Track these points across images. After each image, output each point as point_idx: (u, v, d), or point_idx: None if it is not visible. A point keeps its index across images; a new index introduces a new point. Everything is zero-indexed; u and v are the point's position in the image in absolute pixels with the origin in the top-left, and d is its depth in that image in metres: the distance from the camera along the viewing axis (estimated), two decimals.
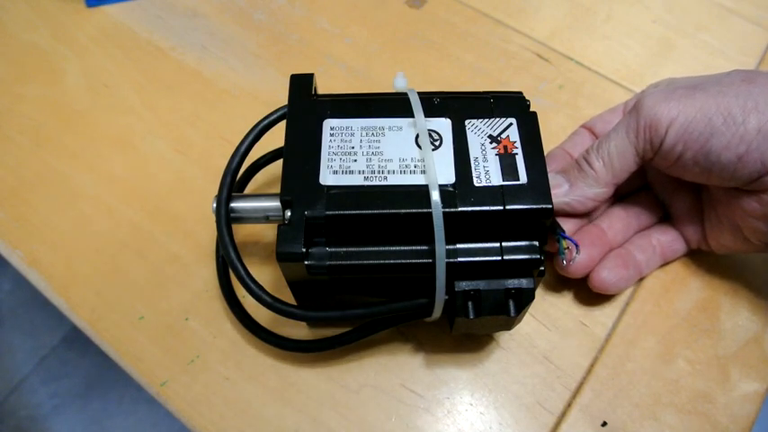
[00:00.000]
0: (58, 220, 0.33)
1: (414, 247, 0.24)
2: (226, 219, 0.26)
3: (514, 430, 0.28)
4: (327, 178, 0.24)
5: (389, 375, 0.29)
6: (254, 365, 0.29)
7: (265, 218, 0.27)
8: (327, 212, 0.23)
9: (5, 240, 0.33)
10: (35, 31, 0.41)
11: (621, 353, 0.30)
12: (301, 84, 0.27)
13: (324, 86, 0.38)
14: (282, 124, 0.27)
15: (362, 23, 0.41)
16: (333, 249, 0.24)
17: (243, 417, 0.28)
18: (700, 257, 0.32)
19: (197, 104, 0.37)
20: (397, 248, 0.24)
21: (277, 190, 0.24)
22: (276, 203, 0.27)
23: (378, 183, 0.24)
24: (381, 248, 0.24)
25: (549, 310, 0.31)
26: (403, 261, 0.24)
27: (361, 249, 0.24)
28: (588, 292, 0.31)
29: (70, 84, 0.38)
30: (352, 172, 0.24)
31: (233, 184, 0.27)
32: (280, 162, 0.32)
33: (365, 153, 0.25)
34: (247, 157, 0.28)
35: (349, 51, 0.39)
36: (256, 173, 0.33)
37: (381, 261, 0.24)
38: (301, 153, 0.25)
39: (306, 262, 0.23)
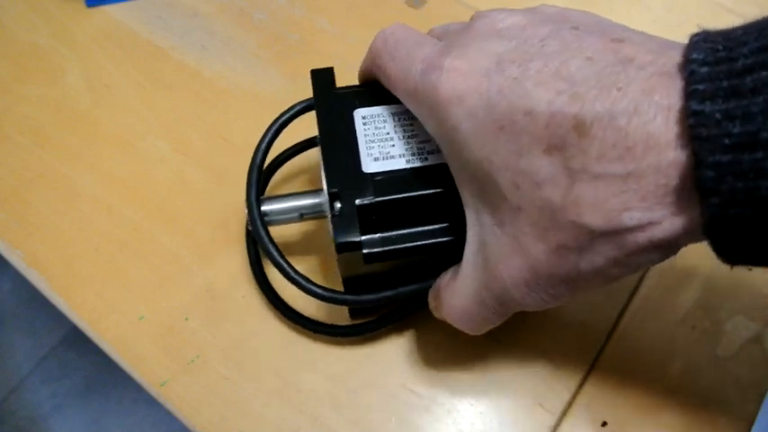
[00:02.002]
0: (58, 220, 0.33)
1: (461, 224, 0.24)
2: (261, 221, 0.27)
3: (514, 430, 0.28)
4: (369, 166, 0.24)
5: (389, 375, 0.29)
6: (254, 365, 0.29)
7: (299, 216, 0.28)
8: (378, 198, 0.24)
9: (5, 240, 0.33)
10: (35, 31, 0.41)
11: (622, 352, 0.30)
12: (324, 78, 0.27)
13: None
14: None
15: (362, 23, 0.41)
16: (384, 235, 0.24)
17: (243, 417, 0.28)
18: (700, 257, 0.32)
19: (197, 104, 0.37)
20: (446, 225, 0.25)
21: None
22: (311, 201, 0.28)
23: (420, 164, 0.24)
24: (430, 228, 0.25)
25: (550, 310, 0.30)
26: (455, 238, 0.24)
27: (412, 231, 0.24)
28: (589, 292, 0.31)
29: (70, 84, 0.38)
30: (392, 157, 0.25)
31: (260, 183, 0.28)
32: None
33: (401, 137, 0.25)
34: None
35: (349, 51, 0.39)
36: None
37: (435, 240, 0.24)
38: (339, 145, 0.25)
39: (364, 251, 0.24)
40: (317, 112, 0.26)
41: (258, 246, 0.30)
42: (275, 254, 0.27)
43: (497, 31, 0.21)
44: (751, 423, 0.28)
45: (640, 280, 0.31)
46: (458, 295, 0.23)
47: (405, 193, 0.24)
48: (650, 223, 0.17)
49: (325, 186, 0.25)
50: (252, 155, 0.28)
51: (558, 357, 0.29)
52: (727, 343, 0.30)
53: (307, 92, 0.37)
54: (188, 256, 0.32)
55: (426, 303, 0.26)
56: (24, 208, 0.34)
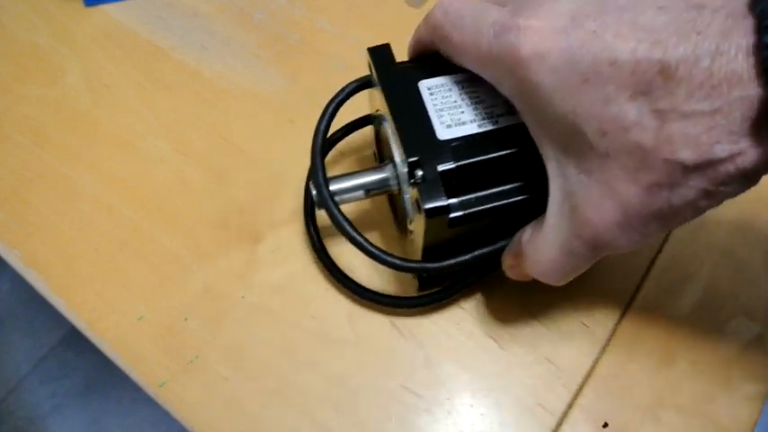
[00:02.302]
0: (58, 220, 0.33)
1: (535, 181, 0.25)
2: (333, 201, 0.27)
3: (515, 431, 0.28)
4: (443, 133, 0.25)
5: (389, 376, 0.29)
6: (253, 366, 0.29)
7: (365, 193, 0.29)
8: (458, 163, 0.24)
9: (4, 240, 0.33)
10: (35, 31, 0.41)
11: (623, 353, 0.30)
12: (382, 54, 0.28)
13: (324, 86, 0.38)
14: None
15: (362, 23, 0.41)
16: (463, 198, 0.25)
17: (242, 417, 0.28)
18: (700, 257, 0.32)
19: (197, 104, 0.37)
20: (520, 184, 0.26)
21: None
22: (378, 176, 0.28)
23: (492, 127, 0.25)
24: (506, 188, 0.26)
25: (550, 311, 0.31)
26: (530, 196, 0.25)
27: (488, 193, 0.26)
28: (589, 293, 0.31)
29: (70, 84, 0.38)
30: (464, 123, 0.25)
31: (324, 164, 0.28)
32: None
33: (469, 104, 0.26)
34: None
35: (349, 51, 0.39)
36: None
37: (514, 199, 0.25)
38: (410, 116, 0.26)
39: (450, 215, 0.25)
40: (382, 87, 0.27)
41: (314, 228, 0.31)
42: (352, 231, 0.27)
43: None
44: (752, 424, 0.28)
45: (641, 280, 0.31)
46: (544, 248, 0.24)
47: (482, 155, 0.25)
48: (738, 154, 0.18)
49: (398, 158, 0.26)
50: (312, 139, 0.29)
51: (558, 358, 0.29)
52: (728, 343, 0.30)
53: (307, 91, 0.38)
54: (188, 256, 0.32)
55: (493, 267, 0.27)
56: (24, 208, 0.34)
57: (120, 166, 0.35)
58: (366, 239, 0.27)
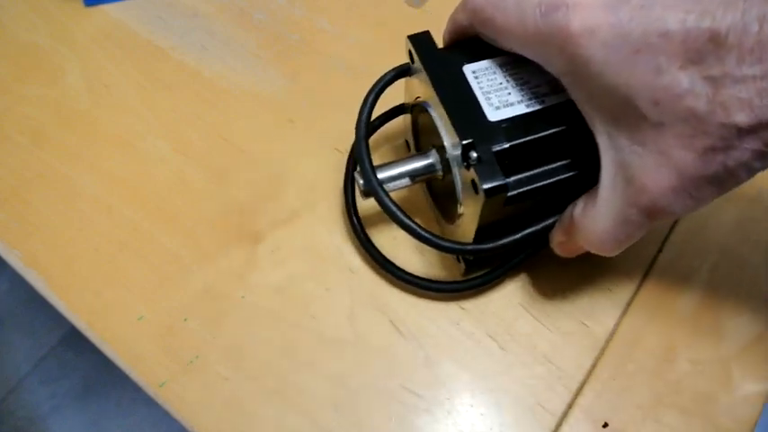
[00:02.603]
0: (58, 219, 0.33)
1: (583, 157, 0.26)
2: (383, 189, 0.28)
3: (515, 431, 0.28)
4: (493, 114, 0.26)
5: (389, 376, 0.29)
6: (253, 366, 0.29)
7: (411, 180, 0.30)
8: (512, 143, 0.25)
9: (4, 240, 0.33)
10: (34, 31, 0.41)
11: (623, 353, 0.30)
12: (423, 41, 0.28)
13: (324, 86, 0.38)
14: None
15: (362, 23, 0.41)
16: (516, 177, 0.26)
17: (242, 417, 0.28)
18: (701, 258, 0.32)
19: (197, 104, 0.37)
20: (568, 161, 0.27)
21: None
22: (423, 162, 0.29)
23: (539, 107, 0.26)
24: (555, 165, 0.27)
25: (550, 311, 0.31)
26: (579, 171, 0.26)
27: (539, 171, 0.26)
28: (589, 293, 0.31)
29: (70, 84, 0.38)
30: (511, 104, 0.26)
31: (370, 153, 0.29)
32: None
33: (515, 85, 0.27)
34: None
35: (349, 51, 0.39)
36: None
37: (565, 175, 0.26)
38: (458, 100, 0.26)
39: (508, 193, 0.25)
40: (428, 73, 0.27)
41: (358, 222, 0.32)
42: (404, 218, 0.28)
43: None
44: (753, 424, 0.28)
45: (641, 280, 0.31)
46: (599, 219, 0.24)
47: (533, 134, 0.25)
48: None
49: (448, 142, 0.27)
50: (355, 129, 0.29)
51: (558, 358, 0.29)
52: (728, 344, 0.30)
53: (307, 91, 0.38)
54: (188, 256, 0.32)
55: (541, 246, 0.29)
56: (24, 208, 0.34)
57: (120, 166, 0.35)
58: (419, 225, 0.28)
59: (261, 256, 0.32)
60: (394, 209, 0.28)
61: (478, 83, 0.27)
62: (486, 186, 0.24)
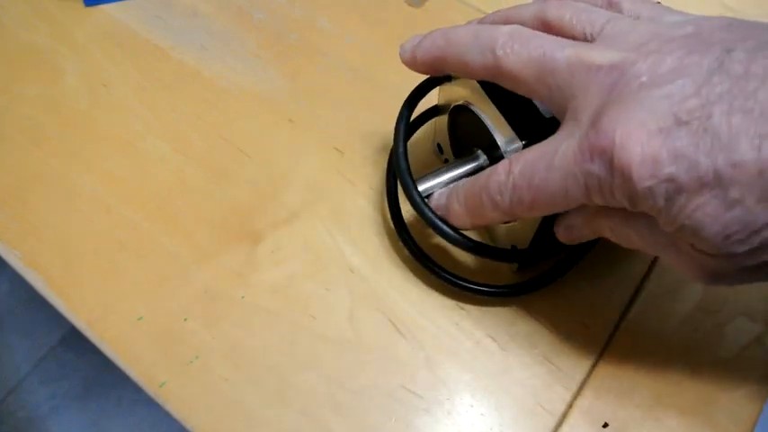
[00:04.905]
0: (57, 220, 0.33)
1: None
2: (424, 203, 0.28)
3: (515, 431, 0.28)
4: (547, 111, 0.26)
5: (389, 376, 0.29)
6: (253, 366, 0.29)
7: None
8: None
9: (4, 240, 0.33)
10: (34, 31, 0.41)
11: (623, 354, 0.30)
12: None
13: (324, 85, 0.38)
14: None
15: (362, 23, 0.41)
16: None
17: (242, 418, 0.28)
18: None
19: (197, 104, 0.37)
20: None
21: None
22: (469, 166, 0.29)
23: None
24: None
25: (550, 311, 0.31)
26: None
27: None
28: (589, 293, 0.31)
29: (69, 83, 0.38)
30: None
31: (409, 166, 0.28)
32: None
33: None
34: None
35: (349, 51, 0.39)
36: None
37: None
38: (508, 98, 0.26)
39: None
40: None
41: (401, 229, 0.31)
42: (449, 230, 0.27)
43: (659, 77, 0.19)
44: (752, 424, 0.28)
45: (642, 280, 0.31)
46: None
47: None
48: None
49: (501, 142, 0.27)
50: (393, 142, 0.29)
51: (558, 358, 0.29)
52: (728, 344, 0.30)
53: (307, 91, 0.38)
54: (187, 256, 0.32)
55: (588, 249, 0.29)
56: (23, 208, 0.34)
57: (120, 165, 0.35)
58: (465, 236, 0.28)
59: (261, 256, 0.32)
60: (440, 224, 0.27)
61: None
62: None
